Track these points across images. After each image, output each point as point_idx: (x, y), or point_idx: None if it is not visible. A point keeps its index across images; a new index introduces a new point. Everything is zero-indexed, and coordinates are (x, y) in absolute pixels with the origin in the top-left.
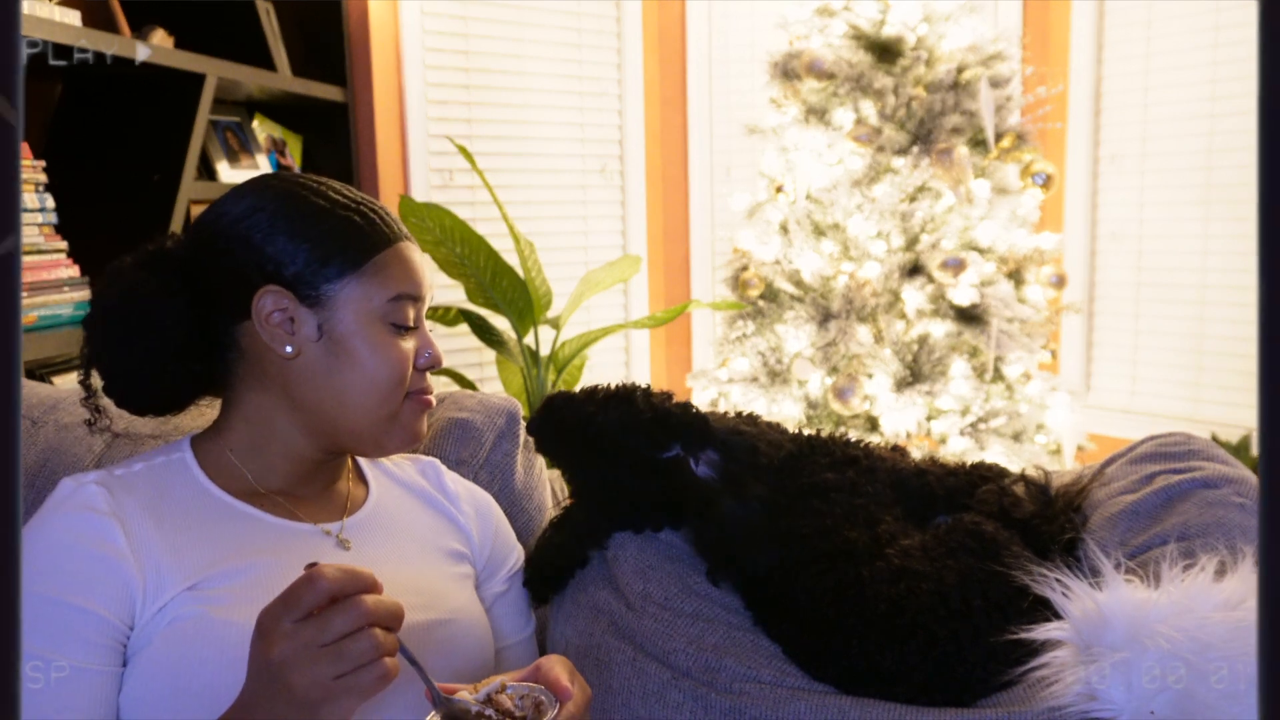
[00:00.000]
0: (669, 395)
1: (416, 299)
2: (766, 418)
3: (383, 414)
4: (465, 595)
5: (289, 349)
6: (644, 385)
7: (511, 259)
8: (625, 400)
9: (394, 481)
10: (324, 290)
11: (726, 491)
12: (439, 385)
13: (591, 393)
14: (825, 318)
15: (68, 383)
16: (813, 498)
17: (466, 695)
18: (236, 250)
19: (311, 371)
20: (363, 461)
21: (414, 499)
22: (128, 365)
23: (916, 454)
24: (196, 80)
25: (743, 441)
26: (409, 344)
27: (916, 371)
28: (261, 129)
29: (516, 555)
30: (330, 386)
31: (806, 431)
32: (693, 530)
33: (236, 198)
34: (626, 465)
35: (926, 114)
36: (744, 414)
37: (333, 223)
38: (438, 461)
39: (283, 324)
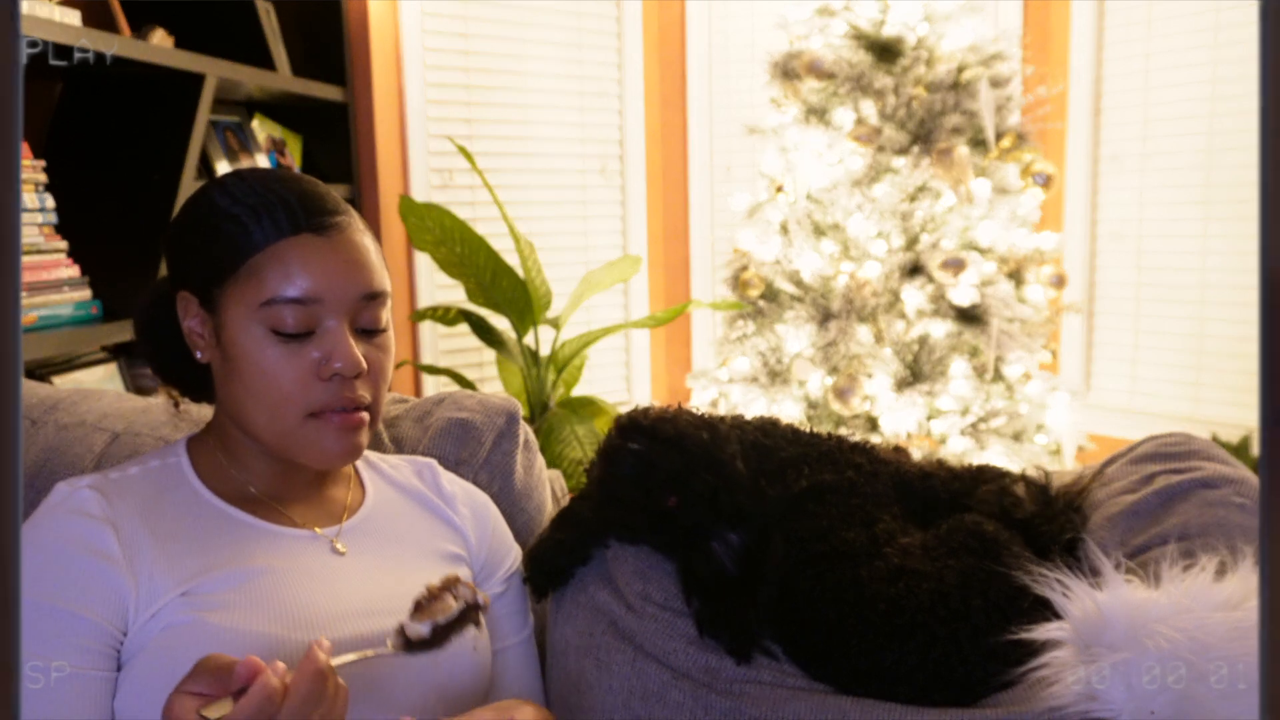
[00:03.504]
0: (731, 457)
1: (304, 301)
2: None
3: (279, 429)
4: None
5: (199, 355)
6: (710, 433)
7: (511, 259)
8: (678, 448)
9: (391, 485)
10: (215, 294)
11: (741, 588)
12: (438, 385)
13: (659, 425)
14: (825, 318)
15: (68, 383)
16: (808, 500)
17: None
18: (169, 258)
19: (219, 379)
20: (359, 464)
21: (410, 502)
22: (159, 366)
23: (917, 454)
24: (196, 80)
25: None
26: (304, 353)
27: (916, 371)
28: (261, 129)
29: (514, 556)
30: (231, 396)
31: (810, 429)
32: (697, 600)
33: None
34: (644, 513)
35: (926, 114)
36: (763, 418)
37: (222, 222)
38: (435, 463)
39: (195, 330)
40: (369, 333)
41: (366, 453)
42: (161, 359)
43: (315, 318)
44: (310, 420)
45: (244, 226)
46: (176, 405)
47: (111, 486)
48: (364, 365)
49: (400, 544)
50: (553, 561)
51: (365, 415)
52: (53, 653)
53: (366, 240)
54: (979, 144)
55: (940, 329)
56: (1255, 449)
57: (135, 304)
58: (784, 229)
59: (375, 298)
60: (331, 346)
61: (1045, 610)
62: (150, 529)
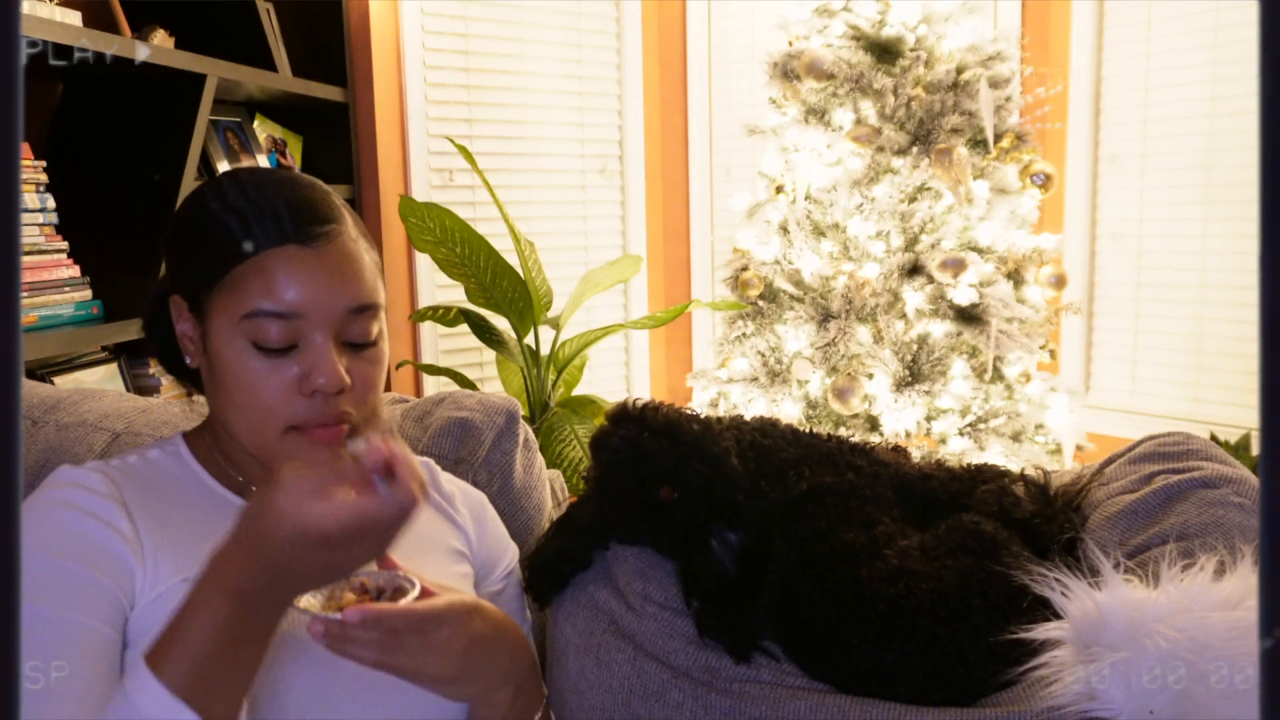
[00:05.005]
0: (725, 452)
1: (286, 315)
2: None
3: (259, 441)
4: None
5: (188, 360)
6: (701, 427)
7: (511, 259)
8: (669, 436)
9: None
10: (202, 301)
11: (741, 589)
12: (438, 385)
13: (648, 416)
14: (825, 318)
15: (68, 383)
16: (808, 502)
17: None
18: (165, 259)
19: (206, 384)
20: None
21: None
22: (165, 364)
23: (917, 455)
24: (197, 80)
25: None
26: (285, 367)
27: (916, 371)
28: (262, 129)
29: (510, 553)
30: (216, 403)
31: (810, 429)
32: (697, 601)
33: None
34: (640, 508)
35: (926, 114)
36: (762, 419)
37: (211, 227)
38: (432, 462)
39: (187, 334)
40: (357, 346)
41: None
42: (165, 358)
43: (298, 332)
44: (290, 434)
45: (230, 234)
46: (190, 395)
47: (114, 472)
48: (347, 381)
49: (408, 537)
50: (554, 569)
51: (347, 430)
52: (67, 605)
53: (359, 250)
54: (978, 144)
55: (940, 329)
56: (1255, 449)
57: (135, 304)
58: (784, 229)
59: (364, 311)
60: (313, 362)
61: (1045, 610)
62: (152, 513)
